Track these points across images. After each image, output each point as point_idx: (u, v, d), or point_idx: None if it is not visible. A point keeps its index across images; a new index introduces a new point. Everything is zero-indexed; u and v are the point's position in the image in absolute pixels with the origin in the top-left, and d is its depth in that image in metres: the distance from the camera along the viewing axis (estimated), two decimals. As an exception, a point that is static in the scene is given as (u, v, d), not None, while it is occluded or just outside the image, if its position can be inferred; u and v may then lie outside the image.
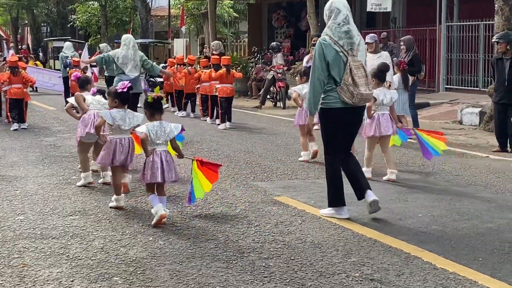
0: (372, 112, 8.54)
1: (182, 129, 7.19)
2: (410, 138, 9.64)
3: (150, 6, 39.67)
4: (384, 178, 8.63)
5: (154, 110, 6.64)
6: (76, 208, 7.06)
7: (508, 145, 11.28)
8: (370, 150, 8.80)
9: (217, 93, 14.73)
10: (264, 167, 9.48)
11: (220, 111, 14.83)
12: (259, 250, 5.61)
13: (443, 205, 7.27)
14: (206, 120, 15.85)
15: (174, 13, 38.68)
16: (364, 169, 8.14)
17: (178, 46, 33.75)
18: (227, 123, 14.53)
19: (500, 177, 9.03)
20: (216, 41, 19.52)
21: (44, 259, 5.36)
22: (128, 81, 7.58)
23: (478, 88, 18.42)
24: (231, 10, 36.36)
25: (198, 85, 16.27)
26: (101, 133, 7.17)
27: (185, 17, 35.60)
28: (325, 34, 6.60)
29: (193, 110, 17.36)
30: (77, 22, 41.90)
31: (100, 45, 25.87)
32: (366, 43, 13.66)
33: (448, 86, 19.65)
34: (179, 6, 36.89)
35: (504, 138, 11.29)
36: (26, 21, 57.50)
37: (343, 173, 6.75)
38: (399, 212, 6.93)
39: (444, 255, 5.47)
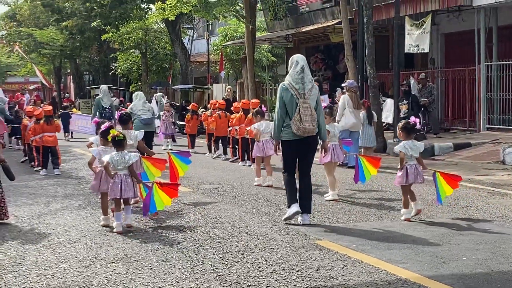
0: (328, 143, 9.71)
1: (189, 155, 10.44)
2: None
3: (189, 52, 40.26)
4: (326, 198, 10.20)
5: (115, 144, 8.43)
6: (119, 255, 7.11)
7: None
8: (331, 174, 10.25)
9: (247, 135, 15.08)
10: (304, 211, 9.43)
11: (251, 152, 15.18)
12: (301, 295, 5.57)
13: (487, 248, 7.15)
14: (237, 162, 16.28)
15: (213, 58, 39.14)
16: (330, 192, 10.28)
17: (217, 91, 34.07)
18: None
19: (546, 217, 8.85)
20: (229, 86, 20.42)
21: (87, 307, 5.40)
22: (108, 121, 9.42)
23: (520, 127, 18.21)
24: (269, 54, 36.58)
25: (230, 128, 16.60)
26: (93, 166, 8.80)
27: (224, 62, 36.01)
28: (286, 80, 8.43)
29: (225, 152, 17.77)
30: (119, 69, 42.60)
31: (156, 95, 27.45)
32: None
33: (490, 126, 19.44)
34: (218, 51, 37.31)
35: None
36: (69, 70, 58.67)
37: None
38: (443, 255, 6.83)
39: (490, 299, 5.37)
